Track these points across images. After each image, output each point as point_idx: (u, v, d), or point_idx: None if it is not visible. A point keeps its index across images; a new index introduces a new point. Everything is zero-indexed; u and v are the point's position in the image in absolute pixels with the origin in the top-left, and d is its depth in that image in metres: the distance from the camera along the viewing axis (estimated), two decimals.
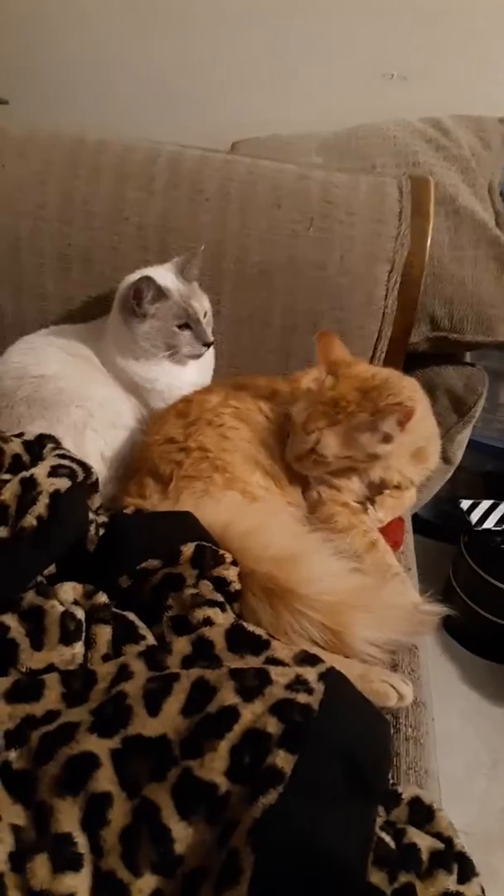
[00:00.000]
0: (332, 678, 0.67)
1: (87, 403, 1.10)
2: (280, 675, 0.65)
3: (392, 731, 0.82)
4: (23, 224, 1.23)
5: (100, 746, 0.59)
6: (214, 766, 0.58)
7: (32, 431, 0.99)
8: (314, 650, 0.81)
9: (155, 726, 0.61)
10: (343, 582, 0.85)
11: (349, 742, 0.62)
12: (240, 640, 0.71)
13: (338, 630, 0.82)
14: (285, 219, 1.21)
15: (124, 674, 0.67)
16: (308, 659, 0.70)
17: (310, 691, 0.64)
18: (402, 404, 0.93)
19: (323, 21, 1.77)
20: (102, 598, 0.77)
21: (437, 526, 2.12)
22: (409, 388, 1.01)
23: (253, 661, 0.69)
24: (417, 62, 1.75)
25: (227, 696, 0.62)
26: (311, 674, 0.67)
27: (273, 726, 0.60)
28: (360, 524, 0.99)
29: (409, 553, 1.11)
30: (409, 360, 1.32)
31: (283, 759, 0.58)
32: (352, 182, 1.24)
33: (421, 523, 1.94)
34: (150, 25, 1.94)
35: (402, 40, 1.73)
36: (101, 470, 1.08)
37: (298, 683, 0.65)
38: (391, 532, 1.04)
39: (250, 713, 0.61)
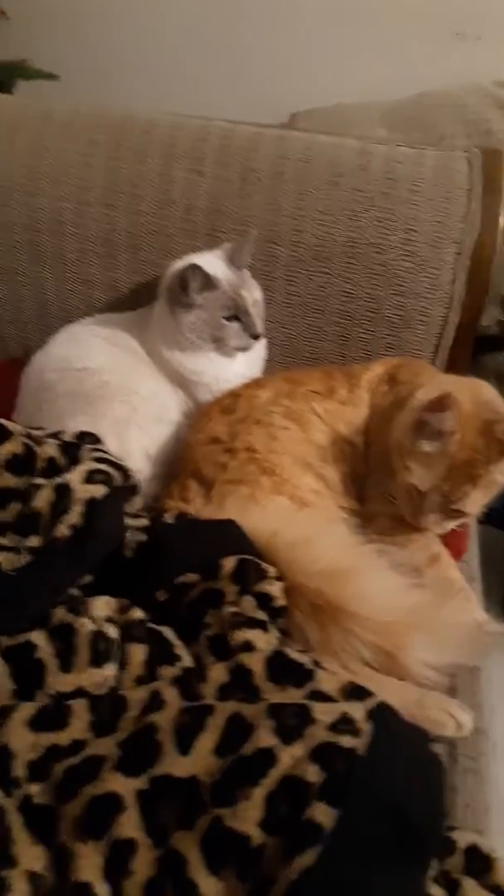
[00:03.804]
0: (382, 716, 0.61)
1: (131, 398, 1.06)
2: (324, 714, 0.59)
3: (449, 762, 0.75)
4: (67, 208, 1.18)
5: (126, 787, 0.55)
6: (248, 816, 0.53)
7: (74, 427, 0.95)
8: (365, 673, 0.76)
9: (185, 766, 0.56)
10: (399, 599, 0.79)
11: (399, 794, 0.56)
12: (281, 668, 0.65)
13: (393, 652, 0.76)
14: (344, 198, 1.13)
15: (156, 702, 0.62)
16: (356, 692, 0.64)
17: (356, 733, 0.58)
18: None
19: None
20: (137, 613, 0.72)
21: None
22: (489, 394, 0.92)
23: (294, 694, 0.63)
24: (492, 19, 1.60)
25: (265, 736, 0.57)
26: (358, 711, 0.61)
27: (314, 774, 0.54)
28: (420, 537, 0.91)
29: (474, 562, 1.02)
30: (477, 343, 1.22)
31: (323, 813, 0.52)
32: (416, 157, 1.14)
33: (488, 512, 1.83)
34: None
35: None
36: (144, 468, 1.03)
37: (344, 723, 0.59)
38: (454, 541, 0.96)
39: (289, 757, 0.56)
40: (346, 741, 0.57)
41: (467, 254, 1.11)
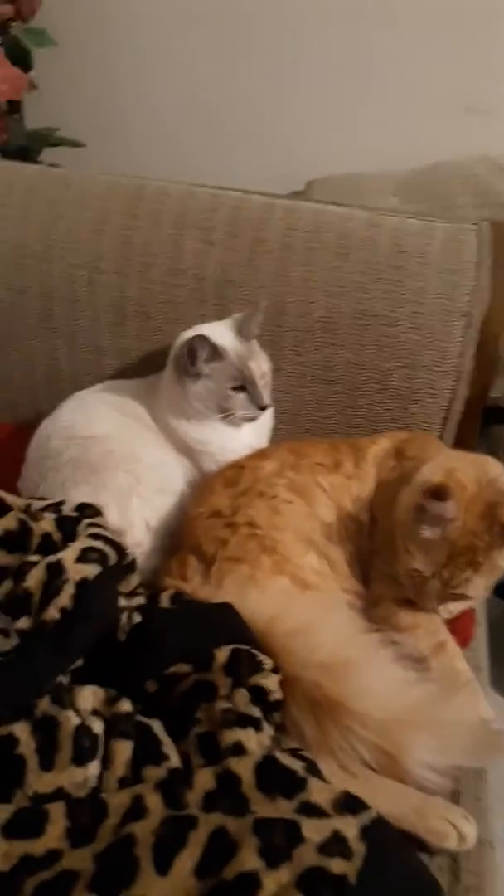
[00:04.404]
0: (376, 834, 0.57)
1: (135, 467, 1.04)
2: (314, 832, 0.56)
3: (450, 879, 0.70)
4: (80, 276, 1.20)
5: None
6: None
7: (76, 497, 0.94)
8: (363, 774, 0.72)
9: (162, 889, 0.53)
10: (401, 695, 0.75)
11: None
12: (271, 776, 0.61)
13: (393, 752, 0.72)
14: (353, 270, 1.13)
15: (137, 809, 0.59)
16: (350, 805, 0.60)
17: (347, 854, 0.55)
18: None
19: (402, 51, 1.70)
20: (125, 706, 0.69)
21: None
22: (495, 471, 0.89)
23: (284, 806, 0.59)
24: (502, 94, 1.63)
25: (248, 857, 0.53)
26: (351, 828, 0.57)
27: None
28: (427, 623, 0.88)
29: (481, 649, 0.98)
30: (487, 414, 1.20)
31: None
32: (426, 229, 1.14)
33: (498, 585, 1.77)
34: (227, 65, 1.92)
35: (485, 70, 1.63)
36: (144, 540, 1.01)
37: (335, 842, 0.55)
38: (461, 627, 0.92)
39: (274, 884, 0.52)
40: (337, 866, 0.53)
41: (476, 326, 1.10)
